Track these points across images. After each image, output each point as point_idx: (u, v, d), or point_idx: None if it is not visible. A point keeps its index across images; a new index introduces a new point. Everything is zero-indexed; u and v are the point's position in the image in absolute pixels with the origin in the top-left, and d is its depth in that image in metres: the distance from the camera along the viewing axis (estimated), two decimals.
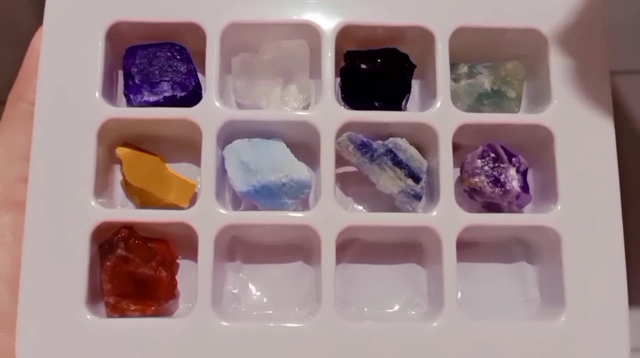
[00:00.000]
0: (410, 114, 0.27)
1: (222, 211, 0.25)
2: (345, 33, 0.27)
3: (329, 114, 0.26)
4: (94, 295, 0.25)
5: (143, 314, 0.25)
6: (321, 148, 0.26)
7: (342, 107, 0.27)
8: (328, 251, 0.25)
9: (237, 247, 0.27)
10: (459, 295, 0.25)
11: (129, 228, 0.25)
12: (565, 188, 0.26)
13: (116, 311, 0.25)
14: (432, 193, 0.27)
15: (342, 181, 0.27)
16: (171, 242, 0.26)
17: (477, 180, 0.26)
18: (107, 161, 0.27)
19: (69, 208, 0.25)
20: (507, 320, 0.26)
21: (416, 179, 0.26)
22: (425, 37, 0.27)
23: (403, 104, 0.27)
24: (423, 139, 0.27)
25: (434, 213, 0.25)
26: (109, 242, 0.25)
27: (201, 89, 0.27)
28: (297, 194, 0.26)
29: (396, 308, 0.26)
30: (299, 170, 0.26)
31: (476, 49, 0.28)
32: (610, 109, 0.26)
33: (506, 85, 0.27)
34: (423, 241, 0.27)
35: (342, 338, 0.24)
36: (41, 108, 0.25)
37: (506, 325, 0.25)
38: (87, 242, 0.25)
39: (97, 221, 0.25)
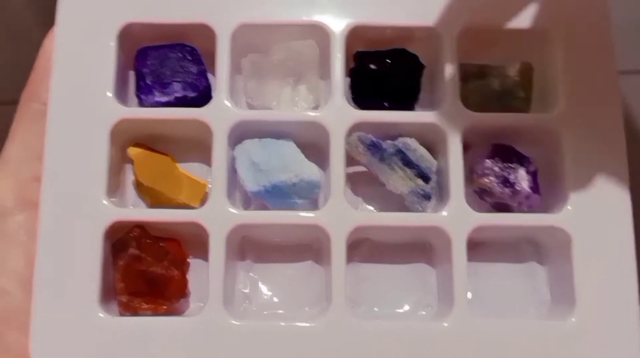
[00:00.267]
0: (419, 114, 0.27)
1: (233, 210, 0.25)
2: (354, 34, 0.27)
3: (338, 114, 0.26)
4: (107, 294, 0.25)
5: (155, 313, 0.25)
6: (331, 148, 0.26)
7: (352, 107, 0.27)
8: (338, 250, 0.25)
9: (248, 246, 0.27)
10: (469, 295, 0.25)
11: (141, 228, 0.25)
12: (575, 188, 0.26)
13: (128, 309, 0.25)
14: (442, 193, 0.27)
15: (352, 181, 0.27)
16: (182, 241, 0.26)
17: (487, 180, 0.26)
18: (119, 161, 0.27)
19: (82, 207, 0.25)
20: (517, 320, 0.26)
21: (426, 179, 0.26)
22: (433, 37, 0.27)
23: (412, 104, 0.27)
24: (433, 139, 0.27)
25: (444, 213, 0.26)
26: (121, 241, 0.25)
27: (212, 90, 0.27)
28: (307, 194, 0.26)
29: (406, 308, 0.26)
30: (309, 170, 0.26)
31: (486, 49, 0.28)
32: (620, 108, 0.26)
33: (516, 85, 0.27)
34: (433, 241, 0.27)
35: (352, 337, 0.24)
36: (54, 108, 0.26)
37: (516, 325, 0.25)
38: (100, 241, 0.25)
39: (110, 220, 0.25)
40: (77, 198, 0.25)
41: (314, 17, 0.27)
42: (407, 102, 0.27)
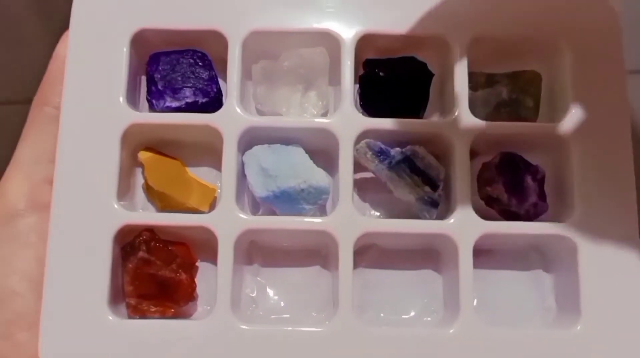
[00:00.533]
0: (428, 122, 0.27)
1: (242, 215, 0.26)
2: (364, 41, 0.27)
3: (347, 121, 0.26)
4: (116, 296, 0.25)
5: (163, 315, 0.25)
6: (339, 155, 0.26)
7: (361, 114, 0.27)
8: (345, 256, 0.25)
9: (256, 251, 0.27)
10: (475, 302, 0.25)
11: (151, 231, 0.26)
12: (581, 197, 0.26)
13: (137, 312, 0.25)
14: (449, 201, 0.27)
15: (360, 187, 0.28)
16: (191, 245, 0.26)
17: (494, 188, 0.26)
18: (129, 164, 0.27)
19: (92, 210, 0.25)
20: (523, 327, 0.26)
21: (433, 186, 0.26)
22: (443, 46, 0.27)
23: (421, 112, 0.28)
24: (441, 147, 0.27)
25: (451, 221, 0.26)
26: (131, 244, 0.26)
27: (222, 96, 0.27)
28: (316, 200, 0.26)
29: (412, 314, 0.27)
30: (318, 176, 0.26)
31: (494, 58, 0.28)
32: (628, 117, 0.27)
33: (524, 94, 0.27)
34: (440, 248, 0.27)
35: (359, 343, 0.25)
36: (67, 112, 0.26)
37: (522, 332, 0.25)
38: (110, 244, 0.25)
39: (120, 223, 0.25)
40: (88, 201, 0.25)
41: (325, 24, 0.27)
42: (415, 109, 0.27)
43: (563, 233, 0.26)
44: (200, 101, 0.27)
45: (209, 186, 0.27)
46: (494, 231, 0.26)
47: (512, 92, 0.27)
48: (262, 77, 0.28)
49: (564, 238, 0.26)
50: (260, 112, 0.28)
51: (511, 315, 0.26)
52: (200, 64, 0.27)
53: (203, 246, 0.26)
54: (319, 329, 0.25)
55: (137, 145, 0.27)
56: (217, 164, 0.27)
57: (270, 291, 0.27)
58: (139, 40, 0.27)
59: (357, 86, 0.28)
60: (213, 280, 0.25)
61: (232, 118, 0.26)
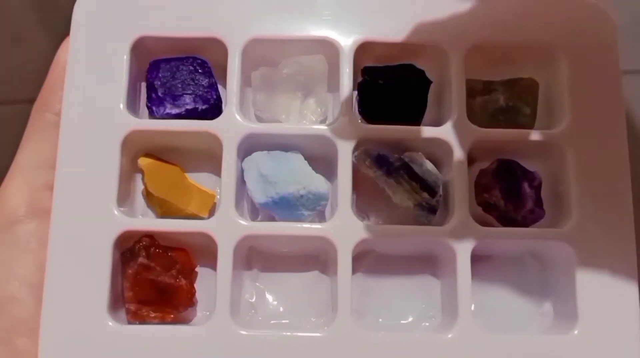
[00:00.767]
0: (426, 129, 0.27)
1: (241, 221, 0.26)
2: (363, 49, 0.27)
3: (346, 128, 0.27)
4: (116, 302, 0.25)
5: (162, 321, 0.25)
6: (338, 161, 0.26)
7: (360, 121, 0.27)
8: (344, 262, 0.25)
9: (255, 257, 0.27)
10: (473, 307, 0.25)
11: (150, 237, 0.26)
12: (578, 203, 0.26)
13: (137, 318, 0.25)
14: (447, 207, 0.27)
15: (359, 193, 0.28)
16: (190, 251, 0.27)
17: (492, 195, 0.27)
18: (129, 171, 0.27)
19: (92, 216, 0.25)
20: (520, 333, 0.26)
21: (432, 192, 0.26)
22: (441, 54, 0.27)
23: (419, 118, 0.28)
24: (438, 154, 0.27)
25: (449, 227, 0.26)
26: (131, 250, 0.26)
27: (222, 102, 0.28)
28: (314, 206, 0.26)
29: (410, 319, 0.27)
30: (317, 182, 0.26)
31: (491, 66, 0.28)
32: (624, 124, 0.27)
33: (521, 101, 0.28)
34: (438, 253, 0.27)
35: (357, 348, 0.25)
36: (67, 119, 0.26)
37: (520, 338, 0.25)
38: (110, 250, 0.25)
39: (120, 229, 0.25)
40: (88, 207, 0.25)
41: (324, 32, 0.27)
42: (413, 116, 0.28)
43: (560, 239, 0.26)
44: (200, 107, 0.27)
45: (208, 192, 0.27)
46: (491, 237, 0.26)
47: (509, 99, 0.28)
48: (262, 84, 0.28)
49: (561, 243, 0.26)
50: (259, 119, 0.28)
51: (509, 320, 0.27)
52: (200, 71, 0.28)
53: (202, 252, 0.26)
54: (318, 334, 0.25)
55: (137, 151, 0.27)
56: (216, 171, 0.27)
57: (269, 297, 0.27)
58: (139, 48, 0.27)
59: (356, 93, 0.28)
60: (212, 285, 0.25)
61: (231, 125, 0.26)
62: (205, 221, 0.26)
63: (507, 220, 0.27)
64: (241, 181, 0.27)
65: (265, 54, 0.28)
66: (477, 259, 0.26)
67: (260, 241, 0.26)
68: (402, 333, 0.26)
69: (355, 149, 0.27)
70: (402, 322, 0.27)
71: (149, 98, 0.28)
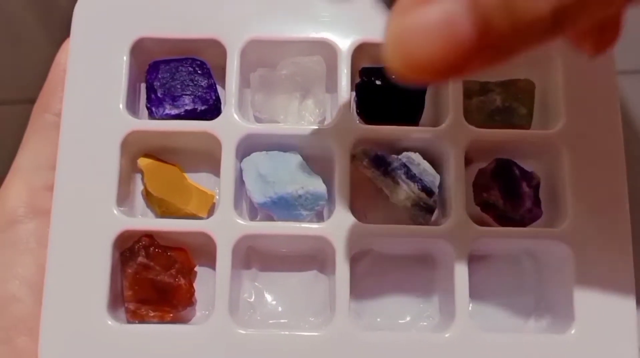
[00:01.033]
0: (423, 129, 0.28)
1: (240, 221, 0.26)
2: (360, 50, 0.28)
3: (344, 128, 0.27)
4: (115, 301, 0.26)
5: (162, 320, 0.25)
6: (336, 161, 0.26)
7: (357, 122, 0.27)
8: (342, 261, 0.25)
9: (254, 256, 0.27)
10: (470, 306, 0.26)
11: (150, 237, 0.26)
12: (575, 202, 0.26)
13: (136, 317, 0.25)
14: (445, 207, 0.27)
15: (357, 193, 0.28)
16: (189, 251, 0.27)
17: (491, 194, 0.27)
18: (129, 171, 0.27)
19: (92, 216, 0.26)
20: (517, 332, 0.26)
21: (429, 192, 0.27)
22: None
23: (416, 119, 0.28)
24: (436, 154, 0.27)
25: (447, 226, 0.26)
26: (130, 250, 0.26)
27: (221, 103, 0.28)
28: (313, 206, 0.27)
29: (408, 318, 0.27)
30: (315, 182, 0.27)
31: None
32: (619, 124, 0.27)
33: (517, 102, 0.28)
34: (435, 253, 0.27)
35: (355, 347, 0.25)
36: (67, 120, 0.26)
37: (517, 337, 0.25)
38: (109, 249, 0.25)
39: (120, 229, 0.26)
40: (88, 206, 0.26)
41: (321, 34, 0.28)
42: (411, 117, 0.28)
43: (556, 239, 0.26)
44: (199, 108, 0.27)
45: (207, 192, 0.27)
46: (488, 236, 0.26)
47: (505, 100, 0.28)
48: (260, 85, 0.28)
49: (558, 243, 0.26)
50: (258, 120, 0.28)
51: (506, 320, 0.27)
52: (199, 72, 0.28)
53: (201, 251, 0.26)
54: (316, 334, 0.25)
55: (137, 152, 0.27)
56: (215, 171, 0.27)
57: (268, 296, 0.27)
58: (139, 49, 0.28)
59: (354, 93, 0.28)
60: (211, 285, 0.25)
61: (230, 125, 0.27)
62: (204, 221, 0.26)
63: (505, 220, 0.27)
64: (240, 181, 0.27)
65: (263, 55, 0.28)
66: (474, 258, 0.26)
67: (258, 240, 0.27)
68: (400, 332, 0.26)
69: (353, 149, 0.27)
70: (399, 321, 0.27)
71: (148, 99, 0.28)
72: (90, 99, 0.27)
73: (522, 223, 0.27)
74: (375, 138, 0.27)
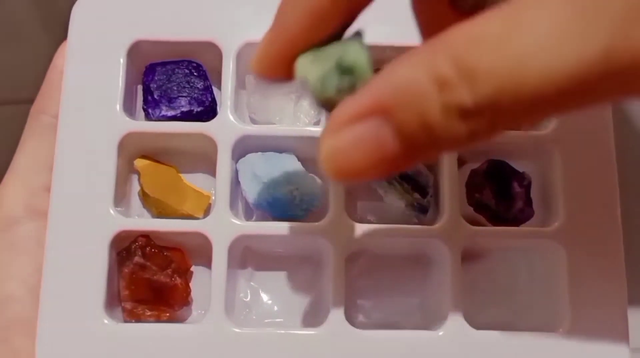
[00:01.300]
0: None
1: (236, 221, 0.26)
2: None
3: None
4: (112, 301, 0.26)
5: (158, 320, 0.26)
6: None
7: None
8: (337, 261, 0.26)
9: (249, 256, 0.28)
10: (464, 305, 0.26)
11: (146, 237, 0.26)
12: (566, 202, 0.27)
13: (132, 316, 0.26)
14: (438, 207, 0.27)
15: (351, 194, 0.28)
16: (186, 251, 0.27)
17: (484, 194, 0.27)
18: (125, 172, 0.28)
19: (89, 216, 0.26)
20: (511, 330, 0.26)
21: (423, 193, 0.27)
22: None
23: None
24: None
25: (440, 226, 0.26)
26: (127, 250, 0.26)
27: (217, 105, 0.28)
28: (308, 207, 0.27)
29: (402, 317, 0.27)
30: (310, 183, 0.27)
31: None
32: (610, 124, 0.27)
33: None
34: (429, 252, 0.28)
35: (351, 345, 0.25)
36: (64, 121, 0.27)
37: (509, 335, 0.26)
38: (106, 249, 0.26)
39: (116, 229, 0.26)
40: (85, 207, 0.26)
41: None
42: None
43: (549, 238, 0.26)
44: (195, 110, 0.28)
45: (203, 193, 0.28)
46: (482, 236, 0.26)
47: None
48: (256, 87, 0.28)
49: (550, 242, 0.26)
50: (253, 121, 0.29)
51: (498, 318, 0.27)
52: (195, 74, 0.28)
53: (197, 251, 0.27)
54: (312, 333, 0.25)
55: (134, 153, 0.28)
56: (211, 172, 0.27)
57: (263, 296, 0.27)
58: (135, 51, 0.28)
59: None
60: (207, 284, 0.26)
61: (226, 127, 0.27)
62: (200, 221, 0.26)
63: (498, 220, 0.27)
64: (236, 182, 0.27)
65: None
66: (467, 258, 0.26)
67: (254, 241, 0.27)
68: (394, 330, 0.26)
69: None
70: (394, 320, 0.27)
71: (145, 101, 0.28)
72: (87, 101, 0.27)
73: (515, 223, 0.27)
74: None
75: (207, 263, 0.26)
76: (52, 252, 0.25)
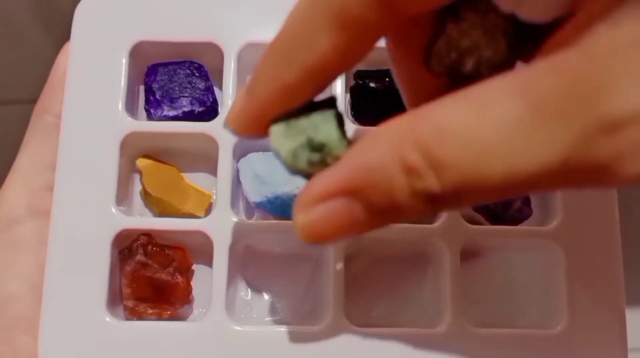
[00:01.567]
0: None
1: (237, 220, 0.26)
2: None
3: None
4: (114, 299, 0.26)
5: (159, 317, 0.26)
6: None
7: (352, 123, 0.28)
8: (337, 259, 0.26)
9: (250, 255, 0.28)
10: (463, 303, 0.26)
11: (148, 235, 0.26)
12: (565, 201, 0.27)
13: (134, 314, 0.26)
14: None
15: None
16: (187, 249, 0.27)
17: None
18: (127, 171, 0.28)
19: (92, 215, 0.26)
20: (509, 328, 0.27)
21: None
22: None
23: None
24: None
25: (439, 226, 0.27)
26: (129, 248, 0.26)
27: (218, 105, 0.28)
28: None
29: (402, 314, 0.27)
30: None
31: None
32: None
33: None
34: (428, 251, 0.28)
35: (351, 343, 0.25)
36: (67, 121, 0.27)
37: (508, 333, 0.26)
38: (108, 248, 0.26)
39: (118, 228, 0.26)
40: (88, 206, 0.26)
41: None
42: None
43: (547, 237, 0.27)
44: (196, 110, 0.28)
45: (204, 192, 0.28)
46: (480, 235, 0.27)
47: None
48: None
49: (548, 241, 0.27)
50: None
51: (497, 316, 0.27)
52: (197, 74, 0.28)
53: (199, 250, 0.27)
54: (312, 330, 0.25)
55: (136, 152, 0.28)
56: (212, 171, 0.27)
57: (264, 294, 0.28)
58: (138, 52, 0.28)
59: (348, 96, 0.28)
60: (208, 283, 0.26)
61: None
62: (202, 220, 0.27)
63: (496, 219, 0.28)
64: (237, 181, 0.27)
65: (260, 58, 0.28)
66: (466, 256, 0.27)
67: (255, 239, 0.27)
68: (394, 328, 0.26)
69: None
70: (393, 318, 0.27)
71: (147, 101, 0.28)
72: (90, 101, 0.27)
73: (513, 223, 0.27)
74: None
75: (208, 261, 0.26)
76: (54, 251, 0.26)
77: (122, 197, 0.27)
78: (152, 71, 0.28)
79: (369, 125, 0.28)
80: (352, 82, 0.29)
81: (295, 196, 0.27)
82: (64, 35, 0.28)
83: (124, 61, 0.28)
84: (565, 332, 0.26)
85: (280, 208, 0.27)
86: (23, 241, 0.26)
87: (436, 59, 0.18)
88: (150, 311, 0.26)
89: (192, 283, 0.27)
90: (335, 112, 0.18)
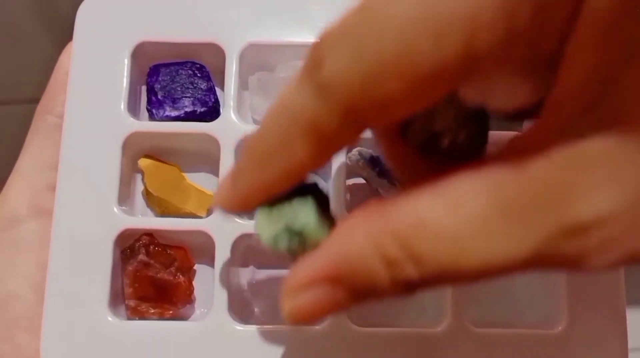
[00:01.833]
0: None
1: (238, 220, 0.26)
2: None
3: None
4: (116, 298, 0.26)
5: (161, 317, 0.26)
6: (332, 162, 0.27)
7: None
8: None
9: (252, 254, 0.28)
10: (463, 303, 0.26)
11: (150, 235, 0.26)
12: None
13: (136, 314, 0.26)
14: None
15: (352, 193, 0.28)
16: (189, 249, 0.27)
17: None
18: (129, 171, 0.28)
19: (94, 215, 0.26)
20: (509, 327, 0.27)
21: None
22: None
23: None
24: None
25: None
26: (131, 248, 0.26)
27: (220, 105, 0.29)
28: None
29: (402, 313, 0.27)
30: None
31: None
32: None
33: None
34: None
35: (352, 342, 0.25)
36: (70, 121, 0.27)
37: (508, 332, 0.26)
38: (111, 248, 0.26)
39: (120, 228, 0.26)
40: (90, 206, 0.26)
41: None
42: None
43: None
44: (198, 110, 0.28)
45: (206, 192, 0.28)
46: None
47: None
48: (258, 88, 0.29)
49: None
50: (256, 122, 0.29)
51: (497, 315, 0.27)
52: (198, 75, 0.28)
53: (200, 250, 0.27)
54: (313, 330, 0.25)
55: (138, 152, 0.28)
56: (214, 171, 0.28)
57: (266, 294, 0.28)
58: (140, 53, 0.28)
59: None
60: (210, 282, 0.26)
61: (229, 127, 0.27)
62: (203, 220, 0.27)
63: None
64: None
65: (261, 59, 0.29)
66: None
67: (256, 239, 0.27)
68: (394, 327, 0.27)
69: (349, 150, 0.27)
70: (395, 316, 0.27)
71: (149, 101, 0.28)
72: (92, 101, 0.27)
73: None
74: (370, 139, 0.27)
75: (210, 261, 0.26)
76: (56, 250, 0.26)
77: (124, 197, 0.27)
78: (154, 71, 0.29)
79: None
80: None
81: None
82: (65, 35, 0.28)
83: (126, 61, 0.28)
84: (565, 332, 0.26)
85: None
86: (25, 241, 0.26)
87: (413, 138, 0.19)
88: (152, 311, 0.26)
89: (193, 282, 0.27)
90: (314, 197, 0.18)
